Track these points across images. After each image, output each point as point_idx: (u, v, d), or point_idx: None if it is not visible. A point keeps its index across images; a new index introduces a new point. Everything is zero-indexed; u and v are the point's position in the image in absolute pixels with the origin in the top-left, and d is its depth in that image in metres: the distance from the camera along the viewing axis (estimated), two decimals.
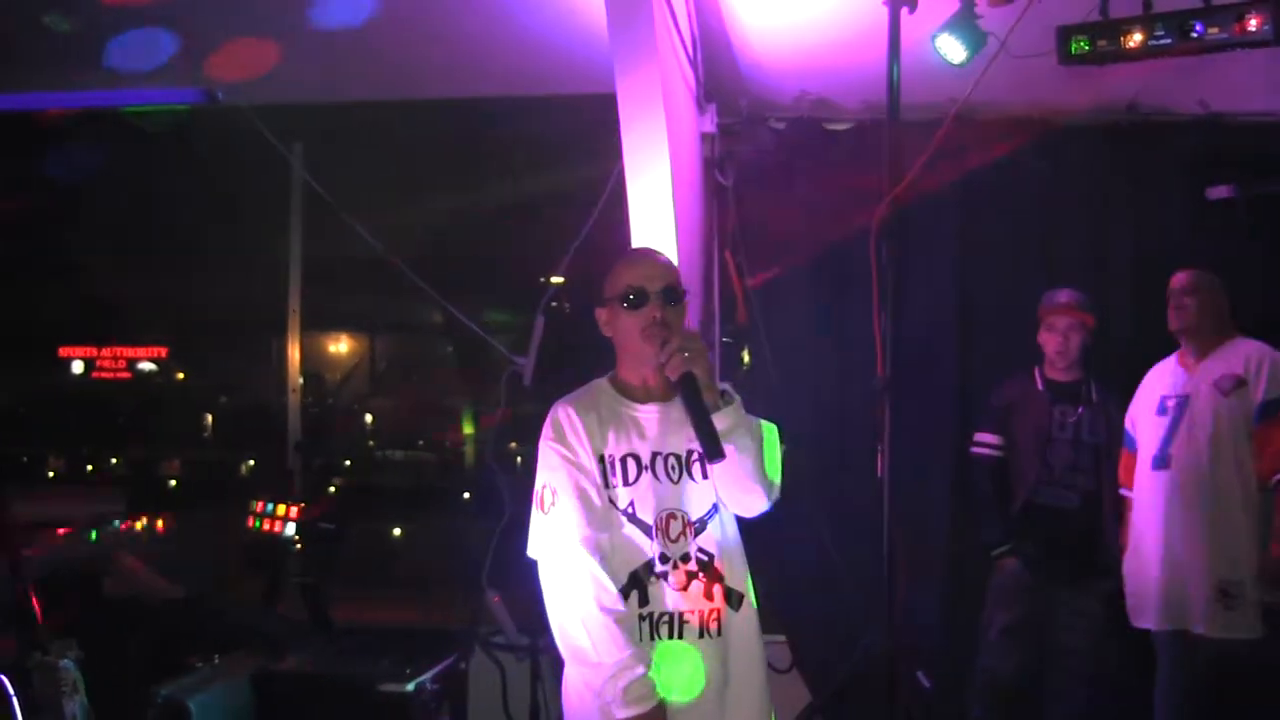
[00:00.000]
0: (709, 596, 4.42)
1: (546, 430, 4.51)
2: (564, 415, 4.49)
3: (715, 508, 4.50)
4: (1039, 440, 7.26)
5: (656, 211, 6.71)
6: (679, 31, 6.84)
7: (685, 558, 4.42)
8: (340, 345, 19.40)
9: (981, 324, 8.05)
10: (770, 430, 4.59)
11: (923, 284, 7.86)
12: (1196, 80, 7.50)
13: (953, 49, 6.62)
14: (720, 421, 4.30)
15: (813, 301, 8.07)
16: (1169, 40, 6.11)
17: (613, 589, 4.29)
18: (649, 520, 4.41)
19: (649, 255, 4.67)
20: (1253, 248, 7.81)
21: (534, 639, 7.44)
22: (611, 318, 4.57)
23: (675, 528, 4.43)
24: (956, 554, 7.88)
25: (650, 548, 4.39)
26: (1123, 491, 7.15)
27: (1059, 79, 6.90)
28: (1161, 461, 6.79)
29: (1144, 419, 7.00)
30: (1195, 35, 6.03)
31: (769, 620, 6.58)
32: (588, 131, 7.38)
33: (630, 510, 4.42)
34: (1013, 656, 7.24)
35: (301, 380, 9.06)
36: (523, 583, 7.79)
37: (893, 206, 6.63)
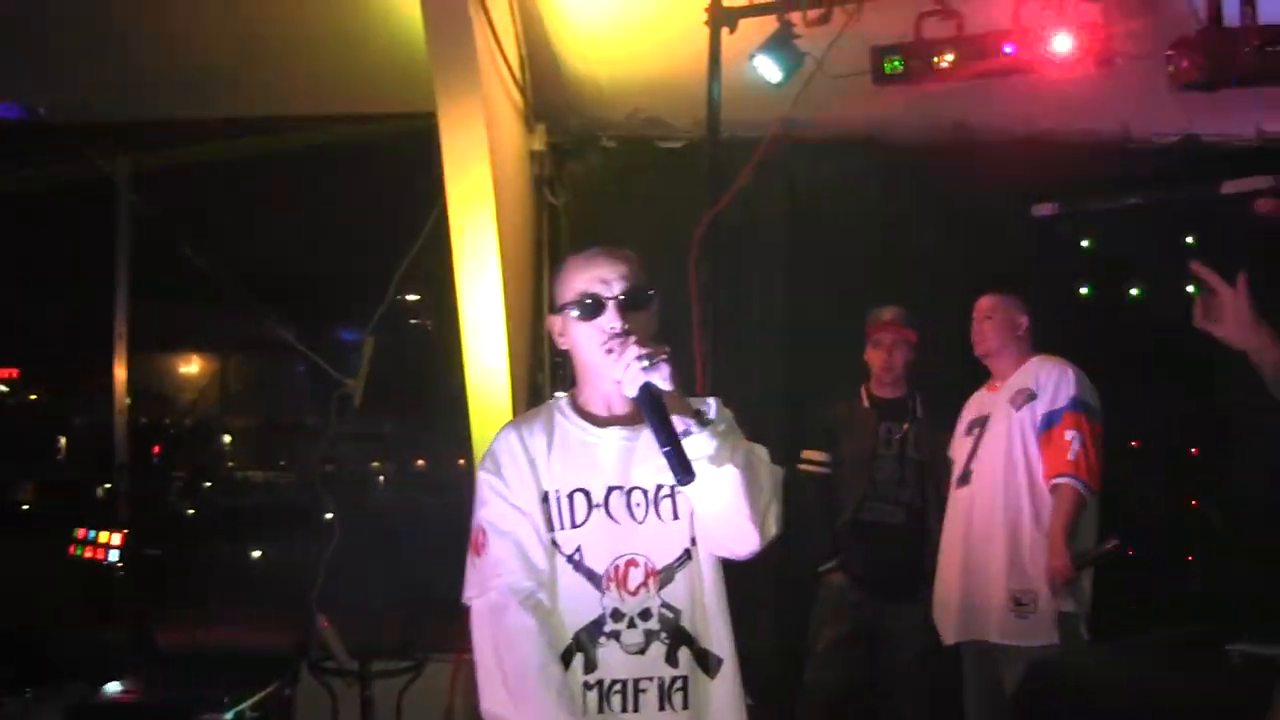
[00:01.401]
0: (672, 662, 3.68)
1: (485, 458, 3.84)
2: (505, 443, 3.82)
3: (688, 554, 3.71)
4: (865, 456, 7.31)
5: (480, 230, 6.71)
6: (503, 52, 6.84)
7: (645, 614, 3.69)
8: (191, 366, 19.23)
9: (810, 341, 8.10)
10: (760, 452, 3.74)
11: (752, 301, 7.91)
12: (1020, 99, 7.59)
13: (769, 69, 6.67)
14: (691, 446, 3.47)
15: None
16: (980, 61, 6.21)
17: (551, 652, 3.62)
18: (599, 569, 3.69)
19: (604, 253, 3.84)
20: (1077, 264, 7.93)
21: (365, 663, 7.38)
22: (564, 328, 3.83)
23: (634, 577, 3.69)
24: (784, 570, 7.90)
25: (600, 602, 3.67)
26: None
27: (884, 97, 6.96)
28: (963, 479, 6.86)
29: (956, 443, 7.07)
30: (1005, 56, 6.11)
31: None
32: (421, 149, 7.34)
33: (576, 557, 3.70)
34: (840, 670, 7.28)
35: (129, 400, 8.90)
36: (354, 605, 7.83)
37: (716, 224, 6.67)
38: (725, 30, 6.64)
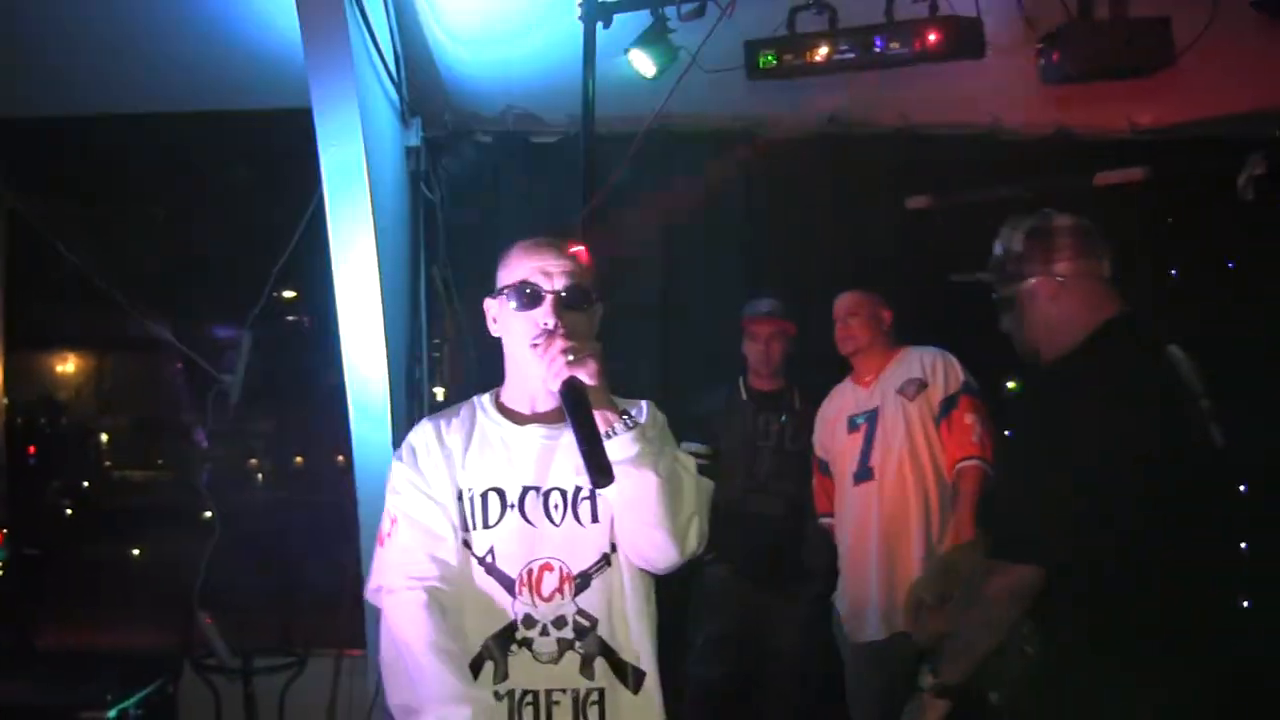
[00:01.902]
0: (587, 673, 3.57)
1: (401, 449, 3.77)
2: (421, 436, 3.76)
3: (607, 559, 3.62)
4: (744, 449, 7.35)
5: (356, 226, 6.68)
6: (378, 46, 6.81)
7: (559, 622, 3.57)
8: (67, 365, 18.95)
9: (687, 334, 8.14)
10: (687, 463, 3.70)
11: (630, 293, 7.93)
12: (895, 93, 7.66)
13: (644, 63, 6.70)
14: (614, 448, 3.43)
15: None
16: (852, 55, 6.24)
17: (450, 635, 3.50)
18: (512, 572, 3.59)
19: (552, 244, 3.76)
20: (949, 255, 7.99)
21: (247, 660, 7.35)
22: (499, 315, 3.79)
23: (549, 583, 3.58)
24: None
25: (512, 607, 3.57)
26: (823, 520, 7.24)
27: (761, 91, 7.01)
28: (864, 475, 6.90)
29: (835, 441, 7.10)
30: (877, 50, 6.16)
31: None
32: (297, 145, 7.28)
33: (489, 559, 3.60)
34: (722, 663, 7.32)
35: (5, 401, 8.77)
36: (236, 603, 7.78)
37: (592, 219, 6.68)
38: (600, 25, 6.62)
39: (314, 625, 7.87)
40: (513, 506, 3.63)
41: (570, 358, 3.45)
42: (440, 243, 7.84)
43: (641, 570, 3.64)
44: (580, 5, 6.62)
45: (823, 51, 6.29)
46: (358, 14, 6.50)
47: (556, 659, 3.56)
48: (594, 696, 3.57)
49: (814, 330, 7.60)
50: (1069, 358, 4.38)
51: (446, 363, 8.01)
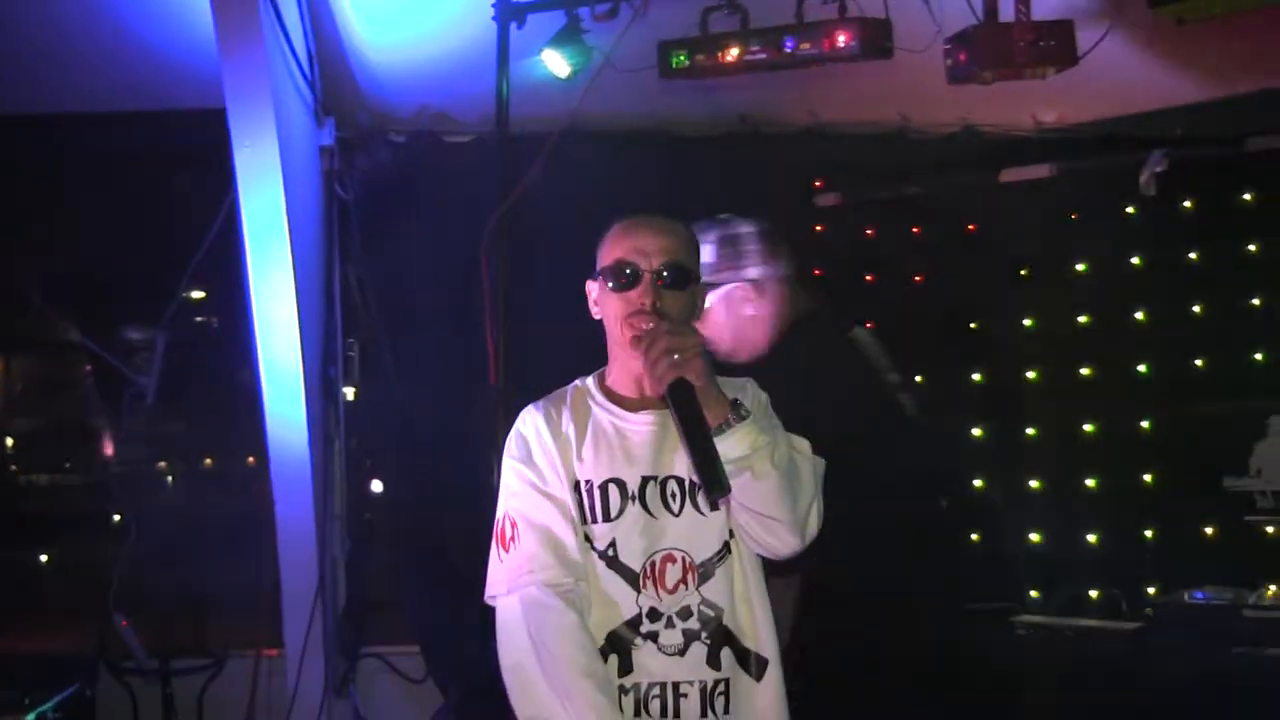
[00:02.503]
0: (714, 664, 3.46)
1: (511, 444, 3.63)
2: (531, 427, 3.63)
3: (727, 547, 3.51)
4: None
5: (270, 226, 6.71)
6: (292, 46, 6.83)
7: (684, 613, 3.45)
8: None
9: (602, 331, 8.17)
10: (800, 445, 3.54)
11: (544, 292, 7.96)
12: (805, 92, 7.74)
13: (557, 63, 6.72)
14: (728, 445, 3.29)
15: (437, 312, 8.10)
16: (763, 55, 6.30)
17: (595, 650, 3.39)
18: (635, 565, 3.45)
19: (649, 222, 3.68)
20: (859, 252, 8.14)
21: (165, 662, 7.34)
22: (599, 297, 3.69)
23: (673, 574, 3.45)
24: None
25: (636, 600, 3.45)
26: None
27: (674, 91, 7.07)
28: None
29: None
30: (787, 51, 6.22)
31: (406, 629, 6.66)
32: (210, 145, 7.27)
33: (610, 552, 3.47)
34: None
35: None
36: (153, 605, 7.77)
37: (507, 219, 6.72)
38: (513, 25, 6.66)
39: (231, 626, 7.87)
40: (634, 498, 3.49)
41: (675, 357, 3.27)
42: (354, 242, 7.83)
43: (758, 555, 3.54)
44: (494, 6, 6.65)
45: (734, 52, 6.35)
46: (272, 14, 6.51)
47: (683, 651, 3.44)
48: (720, 687, 3.47)
49: None
50: (766, 356, 4.87)
51: (357, 363, 8.00)
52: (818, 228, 8.33)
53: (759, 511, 3.38)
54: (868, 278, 8.49)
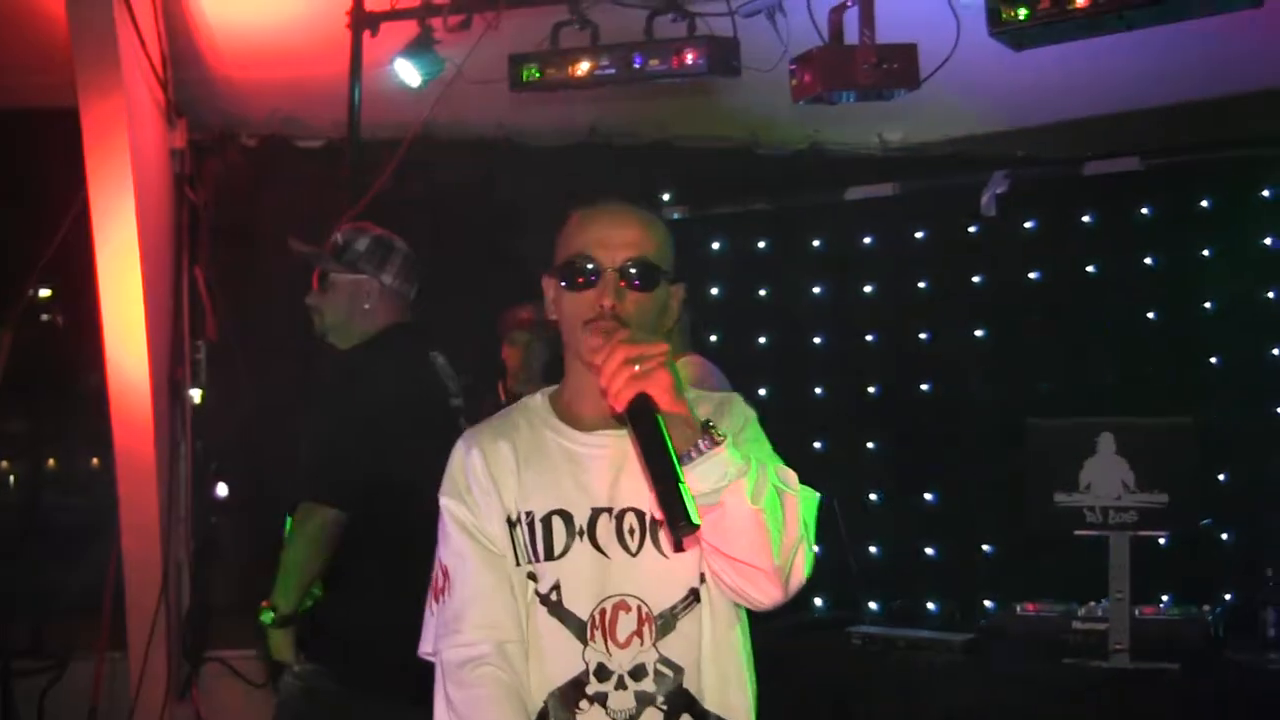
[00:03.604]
0: None
1: (444, 480, 3.08)
2: (466, 458, 3.05)
3: (695, 595, 2.95)
4: None
5: (120, 227, 6.69)
6: (145, 47, 6.80)
7: (638, 672, 2.91)
8: None
9: (450, 338, 8.21)
10: (788, 477, 2.93)
11: None
12: (656, 107, 7.84)
13: (409, 73, 6.75)
14: (696, 475, 2.73)
15: (287, 317, 8.09)
16: (612, 71, 6.37)
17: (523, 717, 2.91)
18: (582, 613, 2.92)
19: (613, 210, 3.09)
20: (707, 266, 8.26)
21: (4, 664, 7.29)
22: (555, 298, 3.09)
23: (625, 625, 2.91)
24: (425, 564, 8.02)
25: (582, 655, 2.91)
26: None
27: (526, 103, 7.13)
28: None
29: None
30: (636, 67, 6.30)
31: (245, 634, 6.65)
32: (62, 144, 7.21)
33: (554, 596, 2.93)
34: None
35: None
36: None
37: (356, 224, 6.74)
38: (367, 33, 6.69)
39: (73, 628, 7.80)
40: (581, 533, 2.95)
41: (635, 369, 2.72)
42: (204, 245, 7.81)
43: (736, 606, 3.00)
44: (348, 13, 6.68)
45: (584, 67, 6.41)
46: (126, 14, 6.49)
47: (634, 717, 2.91)
48: None
49: None
50: (360, 349, 5.00)
51: (207, 365, 7.97)
52: None
53: (733, 556, 2.83)
54: (713, 290, 8.58)
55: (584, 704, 2.90)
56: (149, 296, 6.86)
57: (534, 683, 2.92)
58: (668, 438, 2.70)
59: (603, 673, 2.90)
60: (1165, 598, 7.21)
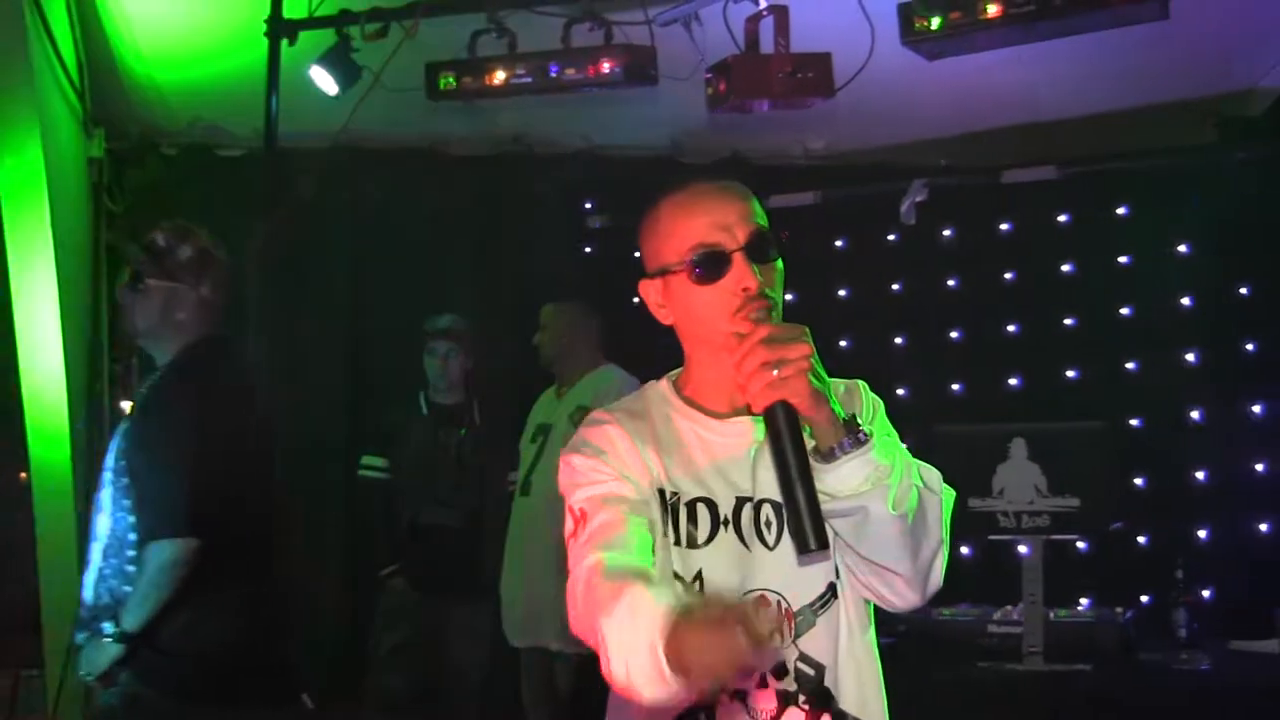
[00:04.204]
0: None
1: (577, 447, 2.84)
2: (604, 431, 2.84)
3: (833, 590, 2.79)
4: (423, 461, 7.43)
5: (34, 236, 6.65)
6: (60, 56, 6.78)
7: (779, 670, 2.75)
8: None
9: (371, 347, 8.24)
10: (929, 475, 2.73)
11: (315, 308, 7.99)
12: (579, 115, 7.85)
13: (325, 81, 6.73)
14: (838, 478, 2.56)
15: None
16: (529, 79, 6.40)
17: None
18: None
19: (712, 190, 2.83)
20: (629, 275, 8.25)
21: None
22: (671, 297, 2.82)
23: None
24: (348, 574, 8.04)
25: None
26: None
27: (446, 111, 7.12)
28: (525, 489, 7.05)
29: (523, 447, 7.23)
30: (552, 76, 6.32)
31: None
32: None
33: (696, 586, 2.74)
34: (401, 673, 7.38)
35: None
36: None
37: (276, 232, 6.72)
38: (285, 41, 6.67)
39: None
40: (726, 523, 2.76)
41: (774, 372, 2.53)
42: (122, 255, 7.76)
43: (868, 605, 2.84)
44: (266, 21, 6.66)
45: (500, 75, 6.44)
46: (38, 21, 6.47)
47: (776, 716, 2.75)
48: None
49: (497, 345, 7.76)
50: (174, 363, 4.80)
51: (126, 377, 7.92)
52: (587, 249, 8.44)
53: (870, 557, 2.67)
54: (634, 299, 8.60)
55: (726, 700, 2.73)
56: (65, 307, 6.82)
57: None
58: (796, 448, 2.55)
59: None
60: (1085, 601, 7.26)
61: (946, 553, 2.71)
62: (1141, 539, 7.85)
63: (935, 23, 5.69)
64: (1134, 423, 7.80)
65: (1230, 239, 7.83)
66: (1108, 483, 6.45)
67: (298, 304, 7.75)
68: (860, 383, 2.93)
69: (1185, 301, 7.96)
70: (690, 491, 2.77)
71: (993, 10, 5.55)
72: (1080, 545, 7.44)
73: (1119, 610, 6.56)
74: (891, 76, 6.27)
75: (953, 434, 6.66)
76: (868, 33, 5.93)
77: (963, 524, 6.39)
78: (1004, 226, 8.31)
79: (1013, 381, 8.15)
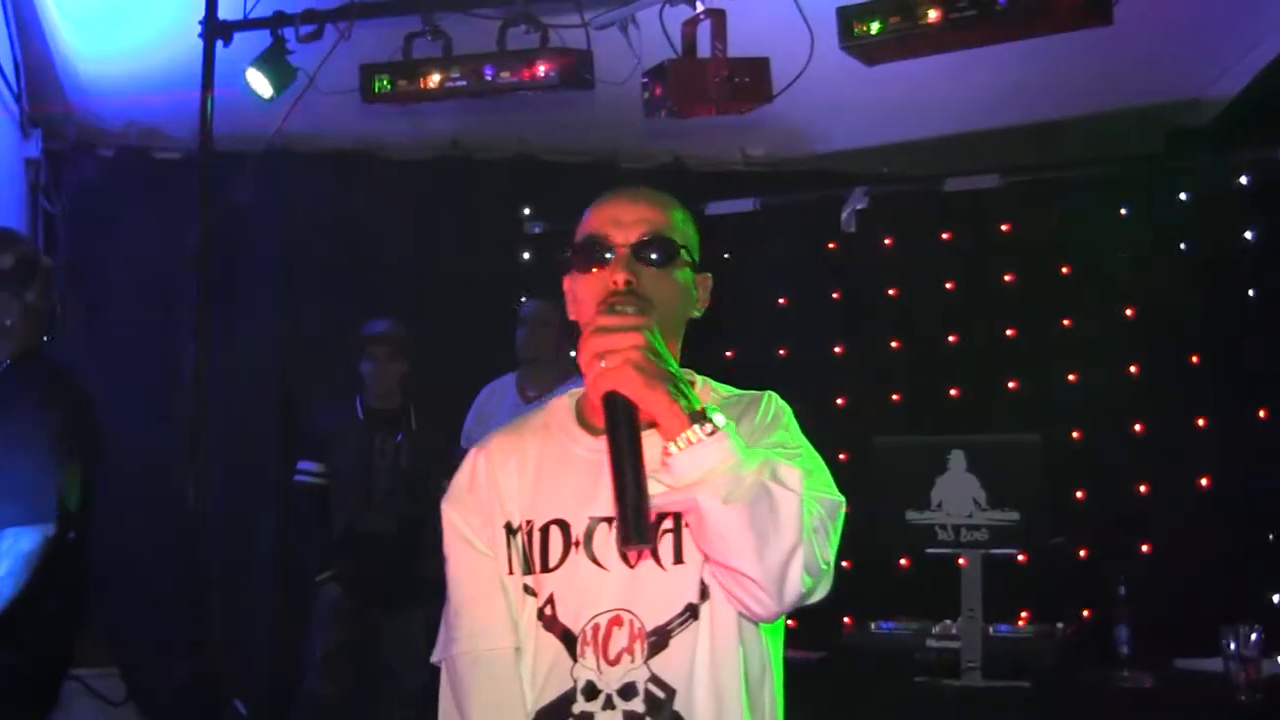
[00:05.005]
0: None
1: (449, 495, 2.88)
2: (473, 460, 2.88)
3: (692, 611, 2.69)
4: (359, 467, 7.38)
5: None
6: None
7: (627, 691, 2.69)
8: None
9: (306, 352, 8.19)
10: (787, 477, 2.54)
11: (249, 312, 7.94)
12: (517, 119, 7.81)
13: (260, 83, 6.68)
14: (676, 468, 2.49)
15: (140, 330, 7.99)
16: (464, 82, 6.36)
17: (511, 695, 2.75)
18: (574, 627, 2.72)
19: (628, 190, 2.87)
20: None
21: None
22: (571, 287, 2.84)
23: (618, 641, 2.69)
24: (282, 580, 7.98)
25: (571, 671, 2.71)
26: None
27: (383, 114, 7.07)
28: None
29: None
30: (488, 79, 6.27)
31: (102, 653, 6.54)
32: None
33: (548, 610, 2.75)
34: (335, 680, 7.32)
35: None
36: None
37: (211, 234, 6.66)
38: (220, 43, 6.61)
39: None
40: (577, 544, 2.74)
41: (603, 362, 2.50)
42: (59, 256, 7.69)
43: (742, 624, 2.71)
44: (200, 23, 6.60)
45: (435, 78, 6.38)
46: None
47: None
48: None
49: (434, 350, 7.71)
50: (19, 364, 4.88)
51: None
52: (525, 254, 8.38)
53: (716, 555, 2.57)
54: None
55: None
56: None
57: (527, 700, 2.74)
58: (626, 438, 2.51)
59: (591, 691, 2.69)
60: (1024, 615, 7.22)
61: (818, 558, 2.56)
62: (1082, 553, 7.80)
63: (874, 27, 5.64)
64: (1075, 435, 7.74)
65: (1174, 249, 7.80)
66: (1047, 496, 6.41)
67: (234, 305, 7.69)
68: (767, 392, 2.89)
69: (1128, 313, 7.91)
70: (545, 515, 2.76)
71: (933, 15, 5.50)
72: (1019, 558, 7.39)
73: (1059, 626, 6.52)
74: (833, 83, 6.23)
75: (891, 445, 6.62)
76: (807, 37, 5.88)
77: (901, 536, 6.41)
78: (944, 235, 8.26)
79: (952, 392, 8.08)
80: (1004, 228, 8.17)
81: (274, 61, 6.64)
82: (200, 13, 6.64)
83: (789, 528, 2.51)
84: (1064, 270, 8.07)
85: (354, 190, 8.25)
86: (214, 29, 6.63)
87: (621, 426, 2.50)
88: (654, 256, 2.74)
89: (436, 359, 7.78)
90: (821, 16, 5.85)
